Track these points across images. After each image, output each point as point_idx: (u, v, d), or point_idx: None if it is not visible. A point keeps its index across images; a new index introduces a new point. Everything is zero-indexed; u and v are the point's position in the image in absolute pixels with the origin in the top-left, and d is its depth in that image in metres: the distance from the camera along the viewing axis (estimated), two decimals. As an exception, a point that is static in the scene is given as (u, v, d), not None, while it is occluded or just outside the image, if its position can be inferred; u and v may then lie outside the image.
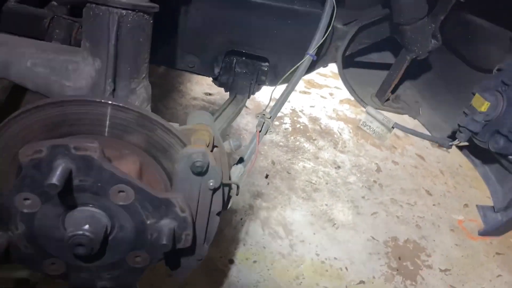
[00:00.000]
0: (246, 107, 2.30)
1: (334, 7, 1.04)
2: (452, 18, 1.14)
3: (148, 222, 0.64)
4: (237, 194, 0.90)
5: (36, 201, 0.60)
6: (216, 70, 1.27)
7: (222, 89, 1.36)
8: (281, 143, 2.30)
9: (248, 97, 1.29)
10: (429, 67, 1.28)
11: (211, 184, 0.67)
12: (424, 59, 1.16)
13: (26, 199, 0.59)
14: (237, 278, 1.47)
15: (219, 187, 0.69)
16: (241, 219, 1.72)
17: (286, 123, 2.48)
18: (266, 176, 2.01)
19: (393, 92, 1.27)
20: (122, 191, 0.61)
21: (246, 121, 2.31)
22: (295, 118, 2.56)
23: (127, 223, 0.64)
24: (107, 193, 0.60)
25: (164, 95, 2.28)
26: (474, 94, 0.89)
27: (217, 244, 1.56)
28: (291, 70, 1.12)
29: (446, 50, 1.19)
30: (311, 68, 1.23)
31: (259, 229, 1.70)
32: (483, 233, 0.77)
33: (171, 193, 0.64)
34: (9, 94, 1.50)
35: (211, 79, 1.35)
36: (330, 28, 1.06)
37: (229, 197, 0.80)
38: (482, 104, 0.85)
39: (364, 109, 1.19)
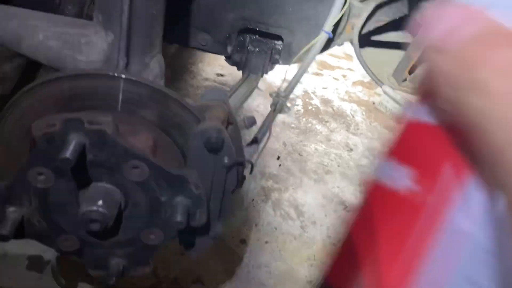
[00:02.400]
0: (258, 88, 2.28)
1: (351, -17, 1.01)
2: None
3: (163, 199, 0.63)
4: (250, 173, 0.88)
5: (49, 176, 0.59)
6: (229, 49, 1.24)
7: (234, 70, 1.34)
8: (293, 125, 2.28)
9: (261, 76, 1.27)
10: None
11: (226, 161, 0.65)
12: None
13: (39, 173, 0.59)
14: (249, 259, 1.47)
15: (233, 165, 0.67)
16: (253, 200, 1.72)
17: (298, 104, 2.46)
18: (278, 158, 1.99)
19: (410, 72, 1.23)
20: (136, 167, 0.60)
21: (258, 103, 2.29)
22: (307, 100, 2.52)
23: (141, 200, 0.63)
24: (121, 169, 0.59)
25: (175, 76, 2.26)
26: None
27: (228, 225, 1.56)
28: (305, 48, 1.10)
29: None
30: (326, 46, 1.20)
31: (271, 211, 1.69)
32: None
33: (186, 169, 0.63)
34: (23, 72, 1.50)
35: (223, 59, 1.33)
36: (347, 5, 1.03)
37: (243, 176, 0.79)
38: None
39: (378, 91, 1.17)
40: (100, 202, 0.60)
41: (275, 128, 2.21)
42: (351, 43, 1.24)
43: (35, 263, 1.23)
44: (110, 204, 0.61)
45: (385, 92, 1.09)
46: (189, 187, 0.62)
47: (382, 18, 1.19)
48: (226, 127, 0.70)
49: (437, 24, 0.29)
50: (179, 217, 0.60)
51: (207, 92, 0.71)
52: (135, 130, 0.64)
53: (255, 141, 0.92)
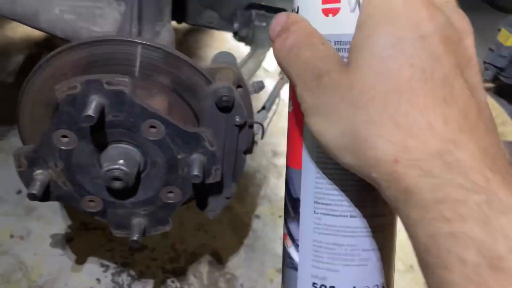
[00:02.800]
0: (266, 69, 2.30)
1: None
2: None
3: (179, 156, 0.66)
4: (262, 138, 0.92)
5: (73, 137, 0.63)
6: (235, 25, 1.27)
7: (242, 53, 1.36)
8: (302, 105, 2.30)
9: (268, 50, 1.29)
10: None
11: (237, 120, 0.69)
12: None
13: (63, 136, 0.62)
14: (264, 232, 1.51)
15: (244, 124, 0.70)
16: (265, 177, 1.75)
17: (306, 85, 2.47)
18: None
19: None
20: (154, 126, 0.63)
21: (266, 84, 2.31)
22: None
23: (159, 159, 0.67)
24: (139, 129, 0.63)
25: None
26: (500, 30, 0.88)
27: (242, 201, 1.60)
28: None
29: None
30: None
31: (283, 186, 1.73)
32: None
33: (201, 128, 0.67)
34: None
35: (230, 43, 1.35)
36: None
37: (254, 141, 0.82)
38: (508, 39, 0.84)
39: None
40: (121, 161, 0.64)
41: (285, 108, 2.23)
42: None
43: (58, 241, 1.28)
44: (131, 163, 0.64)
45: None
46: (204, 144, 0.65)
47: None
48: (236, 89, 0.73)
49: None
50: (195, 171, 0.63)
51: (217, 56, 0.74)
52: (151, 93, 0.67)
53: (264, 107, 0.95)
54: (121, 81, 0.59)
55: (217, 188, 0.75)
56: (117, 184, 0.64)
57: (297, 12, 0.38)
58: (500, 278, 0.26)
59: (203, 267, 1.33)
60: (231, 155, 0.73)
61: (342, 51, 0.35)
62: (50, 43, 0.65)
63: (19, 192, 1.36)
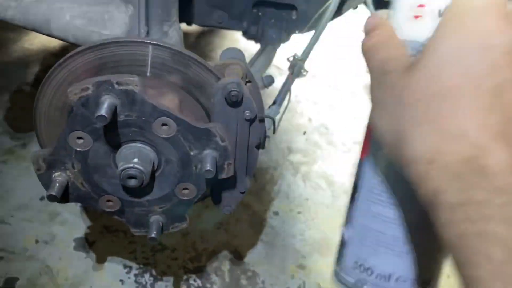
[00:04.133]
0: (279, 67, 2.31)
1: None
2: None
3: (192, 153, 0.67)
4: (274, 133, 0.92)
5: (88, 138, 0.64)
6: (245, 23, 1.28)
7: (253, 53, 1.37)
8: (317, 101, 2.30)
9: (278, 47, 1.30)
10: None
11: (247, 114, 0.69)
12: None
13: (78, 137, 0.64)
14: (283, 229, 1.51)
15: (255, 119, 0.71)
16: (282, 174, 1.75)
17: (321, 80, 2.47)
18: (304, 133, 2.02)
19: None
20: (165, 124, 0.64)
21: (278, 80, 2.31)
22: (331, 75, 2.53)
23: (172, 156, 0.68)
24: (151, 127, 0.64)
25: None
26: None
27: (260, 199, 1.61)
28: (318, 12, 1.12)
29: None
30: (340, 10, 1.22)
31: (301, 183, 1.72)
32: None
33: (211, 123, 0.67)
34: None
35: (241, 44, 1.36)
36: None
37: (266, 135, 0.83)
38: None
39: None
40: (136, 159, 0.65)
41: (299, 105, 2.23)
42: (365, 4, 1.25)
43: (81, 244, 1.31)
44: (145, 161, 0.66)
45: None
46: (215, 140, 0.66)
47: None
48: (245, 84, 0.73)
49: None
50: (208, 166, 0.64)
51: (224, 52, 0.75)
52: (161, 92, 0.69)
53: (275, 103, 0.95)
54: (131, 81, 0.60)
55: (231, 183, 0.76)
56: (132, 183, 0.65)
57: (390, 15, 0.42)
58: None
59: (224, 265, 1.34)
60: (243, 150, 0.74)
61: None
62: (66, 52, 0.67)
63: (42, 198, 1.40)
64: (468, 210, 0.30)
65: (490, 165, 0.30)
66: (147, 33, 0.72)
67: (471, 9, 0.33)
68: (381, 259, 0.46)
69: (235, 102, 0.67)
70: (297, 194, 1.66)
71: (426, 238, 0.44)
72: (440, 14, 0.37)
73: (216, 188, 0.76)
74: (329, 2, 1.07)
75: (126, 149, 0.66)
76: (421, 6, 0.38)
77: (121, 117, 0.63)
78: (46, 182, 0.68)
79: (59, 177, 0.67)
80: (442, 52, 0.33)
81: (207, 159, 0.66)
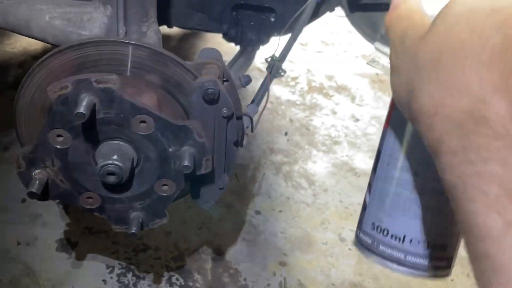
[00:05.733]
0: (260, 69, 2.33)
1: None
2: None
3: (170, 150, 0.69)
4: (252, 131, 0.94)
5: (67, 136, 0.66)
6: (224, 26, 1.30)
7: (229, 48, 1.39)
8: (298, 102, 2.33)
9: (258, 48, 1.33)
10: None
11: (224, 112, 0.71)
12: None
13: (58, 135, 0.65)
14: (265, 227, 1.53)
15: (232, 116, 0.73)
16: (264, 174, 1.78)
17: (301, 82, 2.50)
18: (285, 134, 2.05)
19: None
20: (143, 121, 0.66)
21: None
22: (310, 77, 2.57)
23: (151, 153, 0.70)
24: (129, 124, 0.66)
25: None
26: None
27: (242, 198, 1.63)
28: (295, 15, 1.15)
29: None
30: (317, 13, 1.25)
31: (282, 182, 1.75)
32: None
33: (189, 121, 0.69)
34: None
35: (223, 43, 1.39)
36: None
37: (243, 133, 0.85)
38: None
39: (370, 52, 1.21)
40: (115, 156, 0.67)
41: (281, 106, 2.26)
42: (341, 7, 1.29)
43: (63, 246, 1.31)
44: (124, 158, 0.67)
45: (376, 49, 1.14)
46: (193, 137, 0.68)
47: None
48: (222, 83, 0.76)
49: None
50: (186, 162, 0.66)
51: (202, 52, 0.77)
52: (140, 91, 0.70)
53: (253, 101, 0.97)
54: (109, 79, 0.62)
55: (210, 179, 0.78)
56: (112, 179, 0.67)
57: None
58: None
59: (207, 264, 1.35)
60: (221, 147, 0.76)
61: None
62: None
63: (23, 200, 1.40)
64: (468, 153, 0.32)
65: (490, 115, 0.32)
66: (126, 33, 0.73)
67: None
68: (397, 221, 0.49)
69: (212, 100, 0.69)
70: (278, 193, 1.69)
71: (441, 202, 0.47)
72: None
73: (195, 184, 0.78)
74: (304, 5, 1.10)
75: (105, 146, 0.68)
76: None
77: (100, 115, 0.65)
78: (26, 179, 0.69)
79: (39, 174, 0.68)
80: (453, 15, 0.36)
81: (185, 155, 0.68)
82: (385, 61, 1.14)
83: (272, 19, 1.33)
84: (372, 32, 1.30)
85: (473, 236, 0.32)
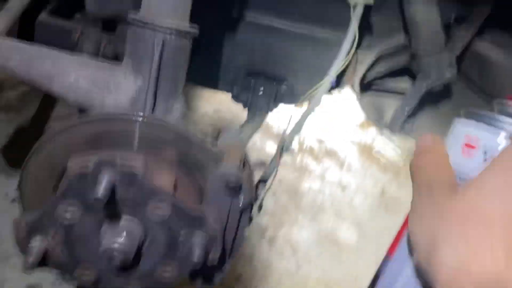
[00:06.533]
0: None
1: (355, 36, 1.08)
2: (469, 50, 1.18)
3: (180, 238, 0.66)
4: (259, 211, 0.92)
5: (77, 212, 0.62)
6: (236, 89, 1.30)
7: (232, 106, 1.39)
8: (287, 163, 2.33)
9: (267, 114, 1.33)
10: (444, 99, 1.32)
11: (242, 202, 0.69)
12: (440, 90, 1.19)
13: (68, 209, 0.62)
14: (244, 296, 1.48)
15: (248, 207, 0.71)
16: (249, 237, 1.74)
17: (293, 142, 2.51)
18: (274, 195, 2.03)
19: (407, 120, 1.30)
20: (159, 207, 0.63)
21: (254, 139, 2.34)
22: (301, 139, 2.58)
23: (160, 237, 0.66)
24: (145, 207, 0.63)
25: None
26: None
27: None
28: (309, 92, 1.16)
29: (461, 82, 1.23)
30: (328, 90, 1.27)
31: (266, 246, 1.72)
32: None
33: (206, 210, 0.67)
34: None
35: (221, 95, 1.39)
36: (350, 55, 1.10)
37: (252, 216, 0.83)
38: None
39: (374, 136, 1.23)
40: (122, 239, 0.63)
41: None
42: (352, 88, 1.31)
43: (33, 292, 1.23)
44: (131, 239, 0.64)
45: (383, 140, 1.15)
46: (207, 228, 0.66)
47: (382, 68, 1.26)
48: (242, 168, 0.74)
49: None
50: (196, 258, 0.63)
51: (226, 134, 0.76)
52: (159, 169, 0.68)
53: (262, 181, 0.96)
54: (134, 163, 0.59)
55: (212, 266, 0.75)
56: (116, 261, 0.63)
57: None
58: None
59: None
60: (231, 234, 0.74)
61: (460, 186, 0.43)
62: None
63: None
64: None
65: (509, 284, 0.34)
66: (153, 107, 0.72)
67: None
68: None
69: (232, 191, 0.67)
70: (262, 258, 1.65)
71: None
72: (485, 156, 0.43)
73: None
74: (318, 85, 1.11)
75: (114, 225, 0.65)
76: (469, 146, 0.45)
77: (117, 195, 0.62)
78: (24, 247, 0.64)
79: (39, 242, 0.64)
80: (487, 187, 0.39)
81: (196, 247, 0.65)
82: (390, 152, 1.15)
83: (283, 88, 1.34)
84: (378, 119, 1.32)
85: None
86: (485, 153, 0.43)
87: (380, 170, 2.50)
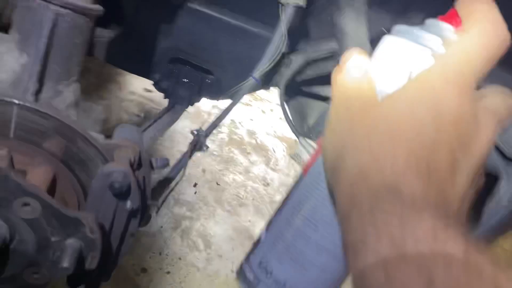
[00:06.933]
0: (186, 110, 2.26)
1: (284, 36, 1.05)
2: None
3: (53, 239, 0.59)
4: (156, 213, 0.87)
5: None
6: (157, 75, 1.22)
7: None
8: (215, 152, 2.29)
9: (187, 107, 1.26)
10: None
11: (129, 205, 0.64)
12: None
13: None
14: (147, 289, 1.42)
15: (137, 210, 0.65)
16: (161, 227, 1.68)
17: (223, 132, 2.47)
18: (195, 185, 1.98)
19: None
20: (28, 204, 0.56)
21: (183, 125, 2.27)
22: (233, 129, 2.55)
23: (28, 237, 0.59)
24: (11, 205, 0.55)
25: (100, 85, 2.18)
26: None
27: (131, 251, 1.51)
28: (233, 89, 1.11)
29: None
30: (252, 90, 1.23)
31: (178, 239, 1.66)
32: None
33: (83, 212, 0.60)
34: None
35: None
36: (276, 57, 1.06)
37: (149, 215, 0.77)
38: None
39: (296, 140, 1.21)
40: (-20, 237, 0.55)
41: (196, 154, 2.19)
42: (278, 88, 1.28)
43: None
44: (-9, 239, 0.56)
45: (301, 144, 1.14)
46: (84, 230, 0.59)
47: (310, 72, 1.24)
48: (136, 169, 0.68)
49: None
50: (66, 263, 0.57)
51: (119, 130, 0.69)
52: (33, 162, 0.60)
53: (166, 180, 0.90)
54: (-3, 154, 0.51)
55: (92, 270, 0.68)
56: (-32, 262, 0.55)
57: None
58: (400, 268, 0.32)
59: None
60: (116, 238, 0.67)
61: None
62: None
63: None
64: (373, 215, 0.35)
65: (403, 188, 0.35)
66: (37, 90, 0.63)
67: (440, 80, 0.39)
68: (283, 266, 0.50)
69: (118, 193, 0.61)
70: (171, 251, 1.60)
71: (329, 263, 0.49)
72: (410, 74, 0.42)
73: (73, 273, 0.68)
74: (241, 84, 1.07)
75: (-27, 222, 0.56)
76: (394, 63, 0.43)
77: (-26, 189, 0.53)
78: None
79: None
80: (400, 101, 0.40)
81: (68, 250, 0.58)
82: (307, 157, 1.13)
83: (208, 81, 1.28)
84: (300, 123, 1.30)
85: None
86: (410, 71, 0.42)
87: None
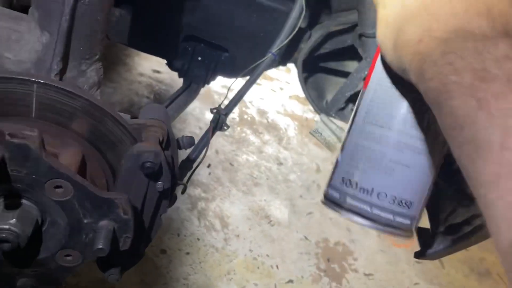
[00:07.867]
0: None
1: (303, 9, 1.02)
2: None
3: (85, 221, 0.58)
4: (182, 193, 0.86)
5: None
6: (171, 55, 1.20)
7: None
8: (227, 133, 2.27)
9: (203, 86, 1.24)
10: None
11: (160, 186, 0.62)
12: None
13: None
14: (167, 270, 1.43)
15: (168, 190, 0.64)
16: (178, 208, 1.68)
17: (234, 112, 2.44)
18: (208, 166, 1.97)
19: (348, 102, 1.27)
20: (60, 186, 0.55)
21: (194, 106, 2.25)
22: (244, 109, 2.53)
23: (60, 220, 0.58)
24: (43, 187, 0.54)
25: (109, 67, 2.15)
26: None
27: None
28: (251, 67, 1.09)
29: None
30: (270, 65, 1.20)
31: (195, 220, 1.66)
32: (418, 255, 0.79)
33: (116, 193, 0.59)
34: None
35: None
36: (295, 31, 1.03)
37: (175, 196, 0.76)
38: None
39: (315, 116, 1.19)
40: (14, 220, 0.54)
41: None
42: (295, 64, 1.25)
43: None
44: (25, 222, 0.55)
45: (322, 120, 1.11)
46: (117, 211, 0.58)
47: (328, 46, 1.21)
48: (164, 149, 0.67)
49: None
50: (101, 244, 0.56)
51: (146, 109, 0.67)
52: (63, 144, 0.59)
53: (190, 159, 0.89)
54: (28, 135, 0.50)
55: (124, 251, 0.68)
56: (5, 247, 0.54)
57: None
58: (488, 85, 0.33)
59: (96, 305, 1.22)
60: (147, 219, 0.67)
61: None
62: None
63: None
64: (446, 57, 0.36)
65: (473, 29, 0.36)
66: (61, 70, 0.61)
67: None
68: (366, 174, 0.50)
69: (150, 173, 0.60)
70: (189, 232, 1.60)
71: (410, 158, 0.49)
72: None
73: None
74: (261, 60, 1.04)
75: (5, 205, 0.55)
76: None
77: (8, 172, 0.52)
78: None
79: None
80: None
81: (102, 232, 0.57)
82: (328, 134, 1.12)
83: (223, 59, 1.25)
84: (319, 99, 1.27)
85: (456, 126, 0.35)
86: None
87: (317, 147, 2.51)
